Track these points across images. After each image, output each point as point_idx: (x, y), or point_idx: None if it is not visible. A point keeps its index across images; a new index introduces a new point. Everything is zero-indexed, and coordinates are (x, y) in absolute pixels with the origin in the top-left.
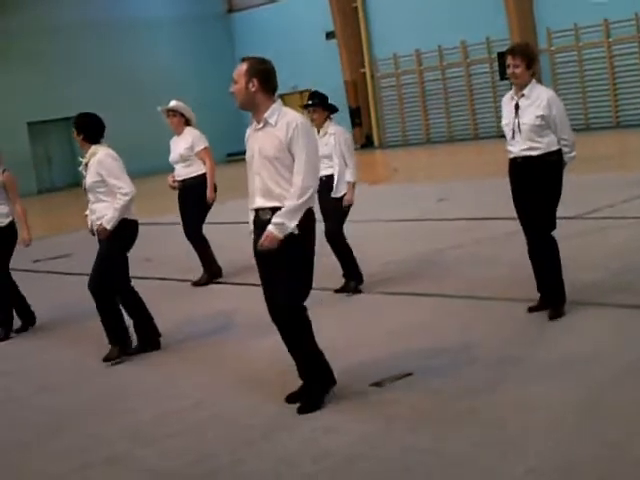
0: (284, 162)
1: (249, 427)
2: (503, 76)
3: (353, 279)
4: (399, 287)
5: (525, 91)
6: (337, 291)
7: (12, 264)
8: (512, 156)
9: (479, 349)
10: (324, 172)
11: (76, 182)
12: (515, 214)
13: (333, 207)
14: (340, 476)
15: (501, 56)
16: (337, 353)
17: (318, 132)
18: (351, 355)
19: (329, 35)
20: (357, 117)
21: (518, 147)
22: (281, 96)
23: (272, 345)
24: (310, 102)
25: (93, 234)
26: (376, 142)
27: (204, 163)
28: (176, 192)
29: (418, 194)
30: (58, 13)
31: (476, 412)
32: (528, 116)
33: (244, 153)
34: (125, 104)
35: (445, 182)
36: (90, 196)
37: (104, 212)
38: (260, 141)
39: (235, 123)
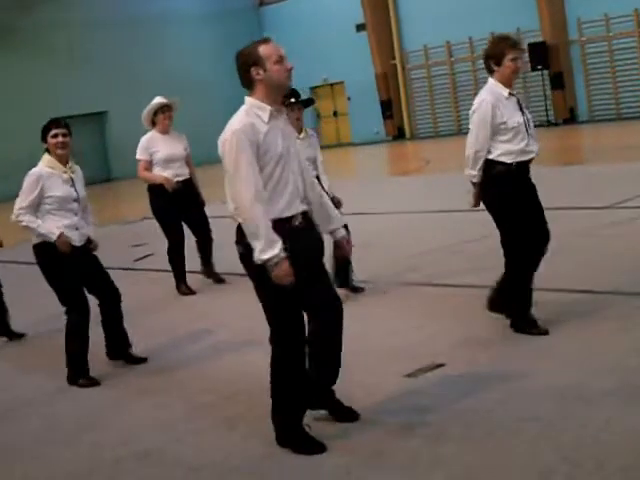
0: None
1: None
2: (534, 67)
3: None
4: (428, 278)
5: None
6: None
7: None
8: (531, 156)
9: (510, 339)
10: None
11: (107, 177)
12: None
13: None
14: (372, 467)
15: (532, 47)
16: (368, 344)
17: (299, 133)
18: (382, 347)
19: (359, 27)
20: (388, 109)
21: (536, 146)
22: (312, 88)
23: None
24: (299, 100)
25: (73, 249)
26: (407, 134)
27: (187, 165)
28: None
29: (449, 185)
30: (87, 8)
31: (506, 402)
32: (528, 113)
33: None
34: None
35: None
36: (81, 207)
37: (86, 227)
38: (290, 134)
39: None
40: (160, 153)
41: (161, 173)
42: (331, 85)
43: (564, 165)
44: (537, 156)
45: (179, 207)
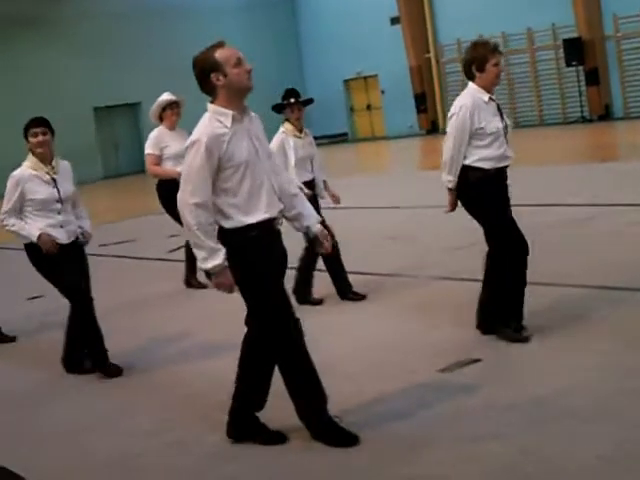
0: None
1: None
2: (569, 63)
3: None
4: (459, 273)
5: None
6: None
7: None
8: (508, 162)
9: (545, 335)
10: (308, 176)
11: (141, 168)
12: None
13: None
14: (411, 461)
15: (567, 43)
16: (399, 338)
17: (300, 132)
18: (414, 341)
19: (394, 20)
20: (422, 103)
21: (511, 152)
22: (345, 81)
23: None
24: (298, 100)
25: (60, 247)
26: (441, 127)
27: None
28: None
29: None
30: None
31: (543, 398)
32: (508, 119)
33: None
34: (190, 90)
35: (512, 167)
36: (65, 206)
37: (74, 223)
38: (257, 135)
39: None
40: (171, 148)
41: (173, 168)
42: (365, 78)
43: (600, 162)
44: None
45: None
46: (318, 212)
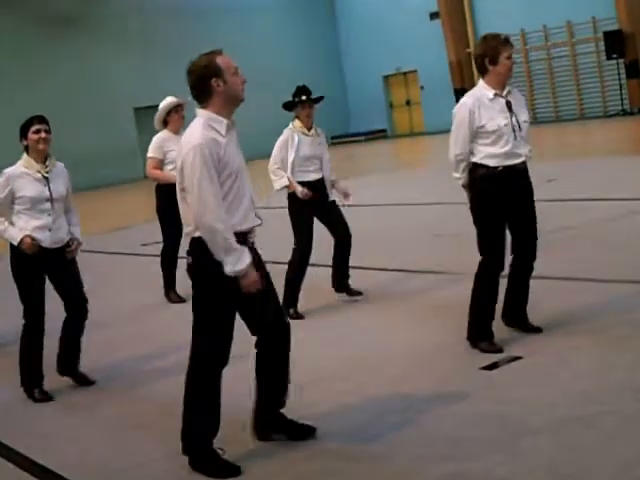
0: None
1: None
2: (610, 55)
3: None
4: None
5: (508, 88)
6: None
7: (121, 247)
8: (519, 160)
9: (586, 331)
10: (313, 176)
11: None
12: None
13: (337, 209)
14: (450, 459)
15: (607, 35)
16: (443, 334)
17: (308, 130)
18: (458, 336)
19: (433, 15)
20: (462, 97)
21: (524, 149)
22: (384, 77)
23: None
24: (310, 98)
25: (42, 251)
26: None
27: None
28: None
29: None
30: None
31: (588, 394)
32: (523, 114)
33: (349, 135)
34: None
35: (554, 162)
36: (56, 207)
37: (65, 228)
38: (239, 148)
39: (339, 106)
40: (174, 152)
41: (173, 173)
42: (404, 74)
43: None
44: (528, 159)
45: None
46: (330, 211)
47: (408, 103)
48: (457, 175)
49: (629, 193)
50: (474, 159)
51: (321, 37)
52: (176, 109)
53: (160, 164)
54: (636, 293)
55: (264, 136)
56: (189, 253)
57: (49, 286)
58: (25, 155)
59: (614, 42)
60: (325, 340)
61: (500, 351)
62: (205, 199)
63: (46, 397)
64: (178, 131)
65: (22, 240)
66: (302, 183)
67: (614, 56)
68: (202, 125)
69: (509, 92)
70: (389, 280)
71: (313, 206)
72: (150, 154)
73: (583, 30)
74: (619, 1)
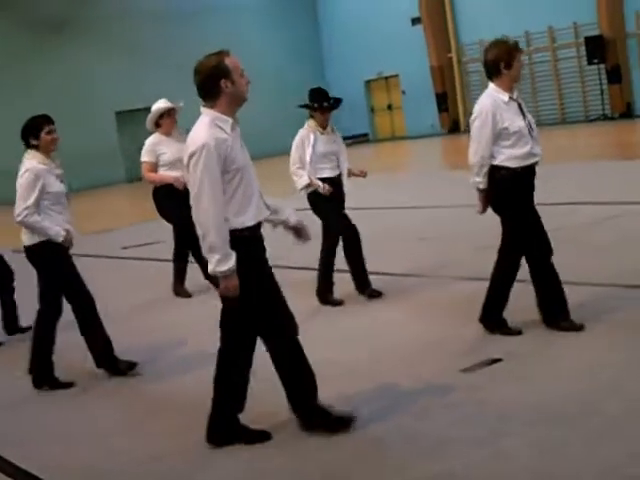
0: None
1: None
2: (591, 61)
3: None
4: (487, 273)
5: (516, 91)
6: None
7: (102, 251)
8: (536, 159)
9: (569, 333)
10: (330, 173)
11: None
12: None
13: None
14: (433, 459)
15: (589, 41)
16: (425, 337)
17: (324, 128)
18: (439, 340)
19: (415, 21)
20: (444, 102)
21: (539, 148)
22: (366, 82)
23: None
24: (331, 104)
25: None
26: (462, 127)
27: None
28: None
29: None
30: (145, 0)
31: (569, 396)
32: (529, 116)
33: None
34: None
35: (537, 166)
36: (67, 204)
37: None
38: (244, 145)
39: None
40: (167, 155)
41: (168, 173)
42: (386, 78)
43: (623, 160)
44: (540, 159)
45: (184, 207)
46: (343, 209)
47: (390, 107)
48: (479, 179)
49: (612, 197)
50: (494, 162)
51: (303, 42)
52: (168, 113)
53: (154, 167)
54: (618, 296)
55: (249, 138)
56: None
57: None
58: (34, 152)
59: (595, 47)
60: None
61: (519, 333)
62: (202, 197)
63: (62, 385)
64: (170, 133)
65: (67, 233)
66: (319, 180)
67: (595, 61)
68: (208, 124)
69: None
70: (373, 283)
71: (333, 201)
72: (144, 158)
73: (565, 35)
74: (600, 7)
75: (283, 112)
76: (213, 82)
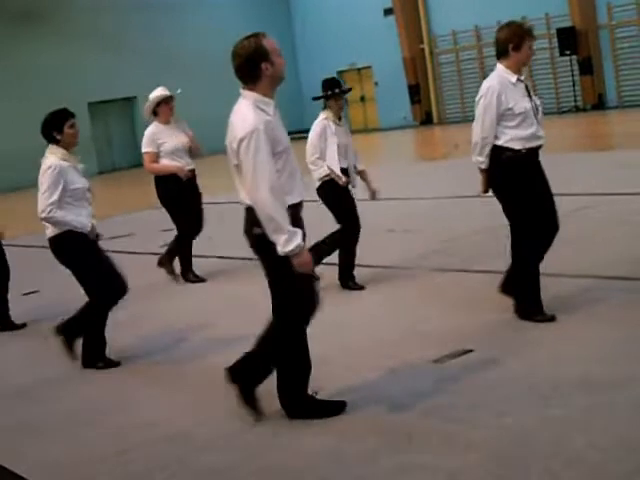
0: None
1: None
2: (563, 52)
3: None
4: (457, 264)
5: (524, 74)
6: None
7: None
8: (540, 142)
9: (537, 325)
10: (344, 163)
11: (137, 162)
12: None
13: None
14: (405, 450)
15: (561, 32)
16: (396, 330)
17: (339, 120)
18: (410, 332)
19: (387, 12)
20: (416, 94)
21: (543, 131)
22: (339, 73)
23: None
24: (343, 90)
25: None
26: (435, 118)
27: (192, 148)
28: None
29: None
30: None
31: (536, 388)
32: (537, 99)
33: (303, 132)
34: (182, 85)
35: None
36: (90, 198)
37: None
38: (282, 127)
39: (294, 101)
40: (167, 144)
41: (171, 163)
42: (358, 70)
43: (594, 151)
44: (544, 142)
45: (187, 196)
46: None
47: (362, 99)
48: (481, 159)
49: (582, 189)
50: (498, 142)
51: (276, 32)
52: (166, 101)
53: (156, 157)
54: (586, 288)
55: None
56: (255, 225)
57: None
58: (55, 148)
59: (567, 39)
60: None
61: (553, 319)
62: (259, 182)
63: (113, 363)
64: (168, 122)
65: (92, 228)
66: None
67: (567, 53)
68: (252, 107)
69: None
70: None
71: (346, 192)
72: (145, 149)
73: (537, 26)
74: None
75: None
76: (253, 65)
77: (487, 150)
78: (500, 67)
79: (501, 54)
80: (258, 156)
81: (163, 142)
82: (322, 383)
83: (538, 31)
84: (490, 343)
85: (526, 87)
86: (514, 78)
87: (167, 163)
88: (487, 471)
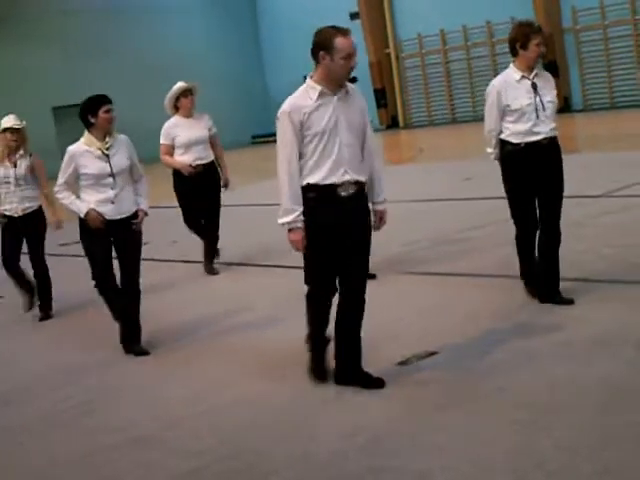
0: (365, 132)
1: (274, 408)
2: None
3: None
4: (423, 267)
5: (537, 70)
6: None
7: None
8: (540, 137)
9: (504, 328)
10: None
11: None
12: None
13: None
14: (369, 453)
15: None
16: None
17: None
18: (375, 334)
19: (353, 16)
20: (382, 98)
21: (546, 127)
22: (305, 77)
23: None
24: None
25: (108, 223)
26: (401, 122)
27: (212, 147)
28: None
29: (443, 174)
30: None
31: (505, 391)
32: (550, 95)
33: (269, 135)
34: (149, 88)
35: (471, 162)
36: (118, 181)
37: (132, 200)
38: (345, 110)
39: (260, 104)
40: (181, 137)
41: (181, 157)
42: None
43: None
44: (549, 136)
45: (200, 191)
46: None
47: None
48: (490, 150)
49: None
50: (502, 136)
51: (243, 35)
52: (184, 94)
53: (170, 150)
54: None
55: None
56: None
57: None
58: (87, 133)
59: None
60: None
61: (571, 302)
62: (279, 156)
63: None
64: (189, 115)
65: (87, 213)
66: None
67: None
68: (300, 91)
69: (536, 74)
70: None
71: None
72: (161, 141)
73: (502, 30)
74: (537, 2)
75: (225, 107)
76: (316, 51)
77: (494, 142)
78: (511, 66)
79: (512, 53)
80: (280, 136)
81: (177, 135)
82: (292, 382)
83: (504, 35)
84: (454, 345)
85: (533, 84)
86: (518, 76)
87: (178, 156)
88: (457, 472)
